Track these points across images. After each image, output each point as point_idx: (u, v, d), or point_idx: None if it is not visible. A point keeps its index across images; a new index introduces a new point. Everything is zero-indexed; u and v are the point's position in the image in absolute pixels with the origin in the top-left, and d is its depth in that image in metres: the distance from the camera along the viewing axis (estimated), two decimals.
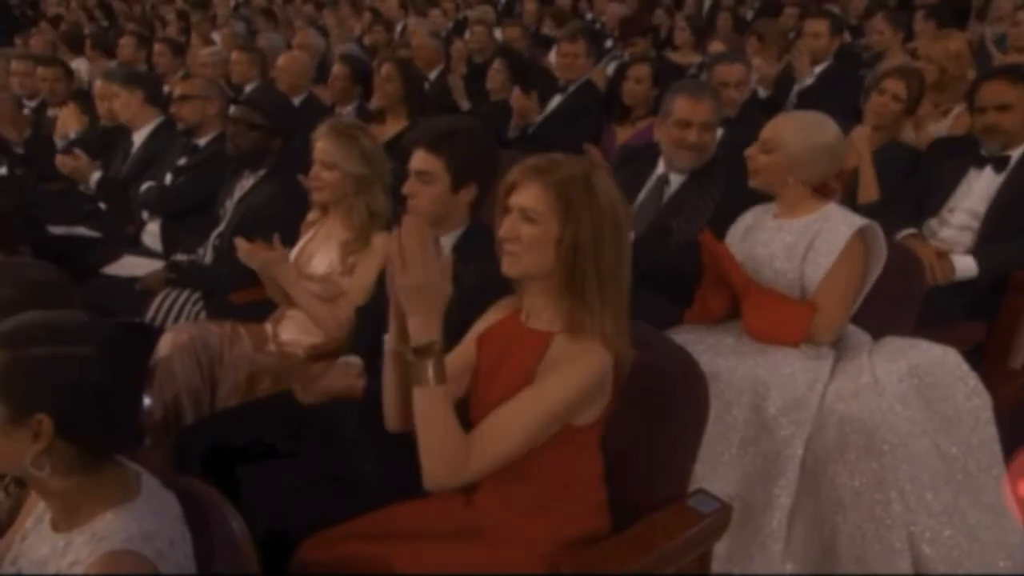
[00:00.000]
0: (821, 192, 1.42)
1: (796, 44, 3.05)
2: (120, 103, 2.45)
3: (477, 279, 1.01)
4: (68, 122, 2.95)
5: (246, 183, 1.97)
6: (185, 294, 1.89)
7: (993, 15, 3.86)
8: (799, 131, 1.40)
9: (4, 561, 0.83)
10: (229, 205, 1.98)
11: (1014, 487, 1.28)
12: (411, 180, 1.27)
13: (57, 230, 2.30)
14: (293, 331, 1.61)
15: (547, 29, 4.71)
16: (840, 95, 2.58)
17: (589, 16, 5.21)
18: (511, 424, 0.91)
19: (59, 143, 2.89)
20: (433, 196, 1.25)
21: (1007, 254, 1.74)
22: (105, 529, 0.75)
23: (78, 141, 2.79)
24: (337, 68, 2.85)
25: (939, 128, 2.29)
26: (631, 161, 1.81)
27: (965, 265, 1.72)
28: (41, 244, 2.15)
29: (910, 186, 1.94)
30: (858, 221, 1.36)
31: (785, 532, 1.28)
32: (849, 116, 2.21)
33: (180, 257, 2.05)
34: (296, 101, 2.90)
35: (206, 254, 2.00)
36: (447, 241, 1.29)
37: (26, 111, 3.20)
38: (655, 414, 1.06)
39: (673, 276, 1.50)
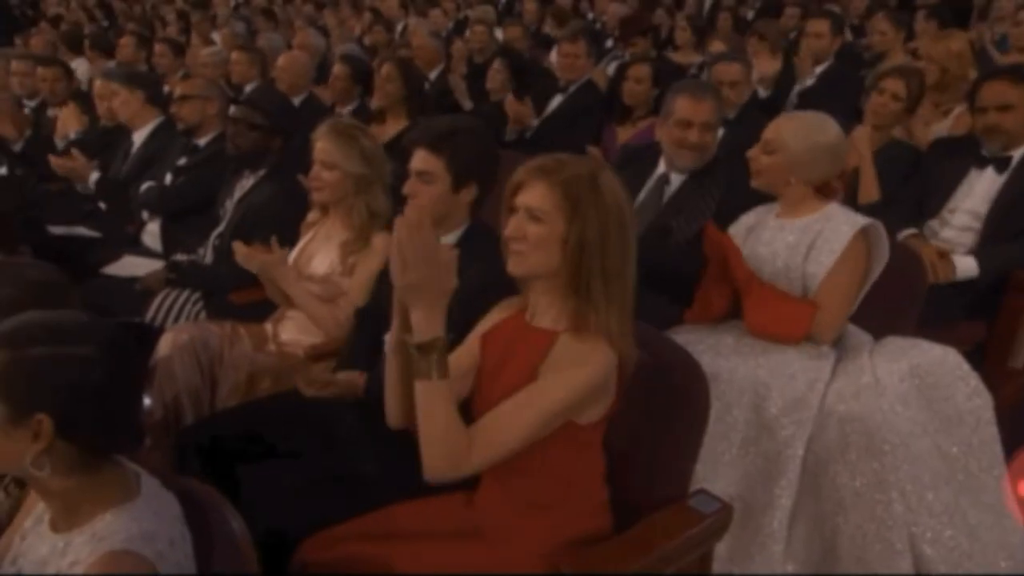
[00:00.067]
0: (823, 192, 1.42)
1: (800, 44, 3.05)
2: (120, 102, 2.45)
3: (478, 279, 1.01)
4: (68, 122, 2.95)
5: (246, 183, 1.97)
6: (185, 294, 1.89)
7: (994, 15, 3.86)
8: (800, 132, 1.40)
9: (4, 561, 0.83)
10: (229, 205, 1.98)
11: (1015, 487, 1.28)
12: (412, 180, 1.27)
13: (57, 230, 2.30)
14: (293, 331, 1.61)
15: (548, 28, 4.71)
16: (841, 95, 2.58)
17: (590, 16, 5.21)
18: (513, 419, 0.91)
19: (59, 143, 2.89)
20: (434, 196, 1.25)
21: (1008, 254, 1.74)
22: (105, 529, 0.75)
23: (78, 141, 2.79)
24: (337, 68, 2.85)
25: (940, 128, 2.29)
26: (632, 161, 1.81)
27: (966, 265, 1.72)
28: (41, 244, 2.15)
29: (911, 186, 1.94)
30: (860, 220, 1.36)
31: (786, 532, 1.28)
32: (850, 116, 2.21)
33: (180, 257, 2.05)
34: (296, 101, 2.90)
35: (206, 254, 2.00)
36: (447, 241, 1.28)
37: (26, 111, 3.20)
38: (656, 414, 1.06)
39: (673, 276, 1.50)
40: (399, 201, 1.38)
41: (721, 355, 1.35)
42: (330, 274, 1.58)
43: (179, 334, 1.56)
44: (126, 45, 3.87)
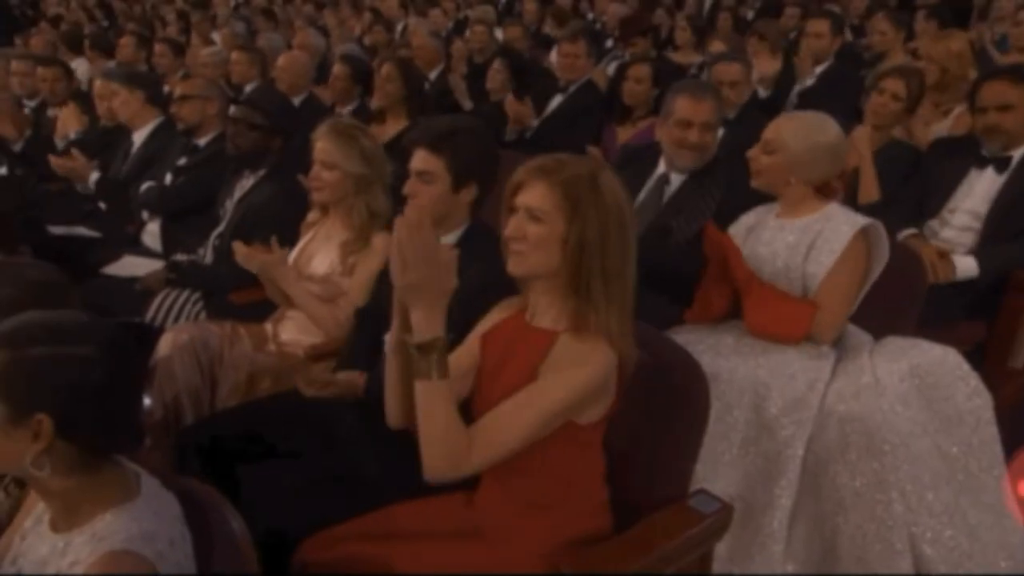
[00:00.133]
0: (823, 192, 1.42)
1: (800, 43, 3.04)
2: (120, 102, 2.45)
3: (478, 279, 1.01)
4: (68, 122, 2.95)
5: (246, 183, 1.96)
6: (185, 294, 1.89)
7: (994, 15, 3.86)
8: (800, 131, 1.40)
9: (4, 561, 0.83)
10: (229, 205, 1.98)
11: (1014, 487, 1.28)
12: (412, 180, 1.27)
13: (57, 230, 2.30)
14: (293, 331, 1.61)
15: (547, 28, 4.71)
16: (841, 95, 2.58)
17: (590, 16, 5.21)
18: (513, 418, 0.91)
19: (59, 143, 2.89)
20: (434, 196, 1.25)
21: (1008, 254, 1.74)
22: (105, 529, 0.75)
23: (78, 141, 2.79)
24: (337, 68, 2.85)
25: (940, 128, 2.29)
26: (632, 161, 1.81)
27: (966, 265, 1.72)
28: (41, 244, 2.15)
29: (911, 186, 1.94)
30: (860, 220, 1.36)
31: (786, 532, 1.28)
32: (850, 116, 2.21)
33: (180, 257, 2.05)
34: (296, 101, 2.90)
35: (206, 254, 2.00)
36: (447, 241, 1.28)
37: (26, 111, 3.20)
38: (656, 414, 1.06)
39: (673, 276, 1.50)
40: (399, 201, 1.38)
41: (721, 355, 1.35)
42: (330, 274, 1.58)
43: (179, 334, 1.56)
44: (126, 45, 3.87)
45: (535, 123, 2.70)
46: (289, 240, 1.65)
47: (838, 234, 1.35)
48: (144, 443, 0.84)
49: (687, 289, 1.52)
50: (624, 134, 2.56)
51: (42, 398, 0.73)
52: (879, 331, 1.42)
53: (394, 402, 0.99)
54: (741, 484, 1.29)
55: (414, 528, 1.04)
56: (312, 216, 1.70)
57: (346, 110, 2.80)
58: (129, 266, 2.08)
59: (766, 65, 2.76)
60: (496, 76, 2.90)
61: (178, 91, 2.30)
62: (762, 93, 2.78)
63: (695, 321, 1.49)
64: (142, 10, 6.98)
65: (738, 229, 1.50)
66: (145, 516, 0.77)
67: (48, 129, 3.08)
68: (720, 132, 1.83)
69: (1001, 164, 1.81)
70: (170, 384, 1.49)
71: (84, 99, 3.06)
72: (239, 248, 1.57)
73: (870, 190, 1.95)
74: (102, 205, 2.46)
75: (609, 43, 4.22)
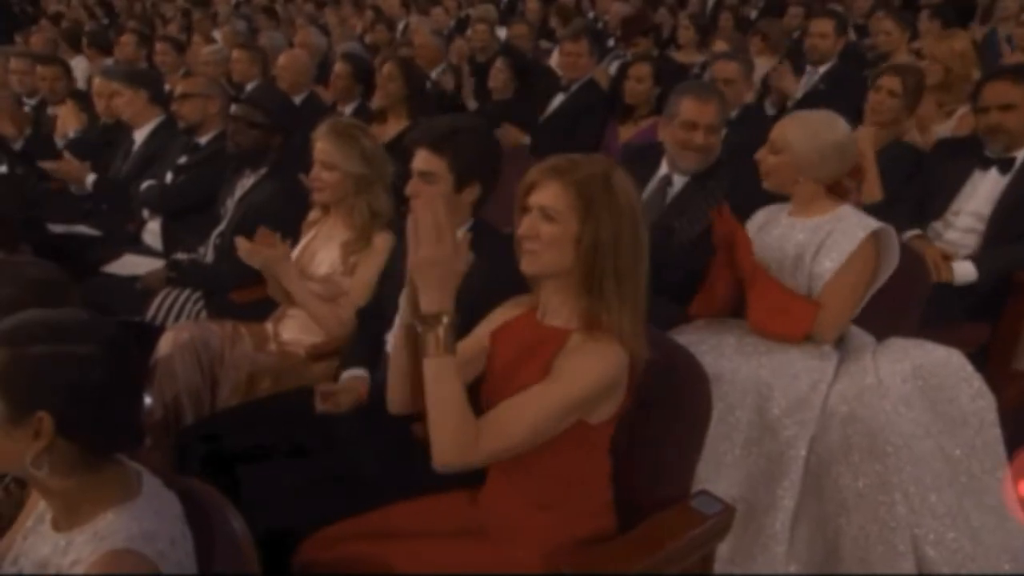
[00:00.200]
0: (836, 191, 1.41)
1: (803, 43, 3.03)
2: (123, 101, 2.44)
3: (481, 278, 1.01)
4: (67, 120, 2.94)
5: (247, 182, 1.96)
6: (186, 293, 1.89)
7: (998, 15, 3.85)
8: (805, 131, 1.40)
9: (5, 560, 0.82)
10: (230, 204, 1.98)
11: (1017, 488, 1.27)
12: (414, 180, 1.26)
13: (57, 229, 2.29)
14: (294, 330, 1.61)
15: (551, 25, 4.71)
16: (845, 95, 2.57)
17: (591, 15, 5.21)
18: (524, 412, 0.91)
19: (59, 142, 2.88)
20: (430, 195, 1.25)
21: (1010, 256, 1.73)
22: (106, 528, 0.75)
23: (77, 140, 2.78)
24: (339, 67, 2.85)
25: (943, 129, 2.29)
26: (634, 161, 1.80)
27: (964, 271, 1.71)
28: (41, 243, 2.14)
29: (913, 186, 1.93)
30: (873, 224, 1.35)
31: (788, 533, 1.27)
32: (854, 116, 2.20)
33: (181, 256, 2.05)
34: (297, 100, 2.89)
35: (207, 253, 2.00)
36: None
37: (25, 109, 3.20)
38: (658, 415, 1.06)
39: (675, 277, 1.50)
40: (401, 201, 1.38)
41: (724, 355, 1.34)
42: (331, 274, 1.58)
43: (180, 333, 1.55)
44: (127, 43, 3.86)
45: (527, 141, 2.69)
46: (290, 239, 1.64)
47: (849, 236, 1.34)
48: (144, 442, 0.84)
49: (689, 289, 1.51)
50: (626, 133, 2.56)
51: (42, 397, 0.73)
52: (882, 332, 1.42)
53: (399, 386, 0.99)
54: (743, 485, 1.29)
55: (416, 527, 1.04)
56: (313, 215, 1.70)
57: (347, 109, 2.80)
58: (130, 265, 2.08)
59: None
60: (498, 75, 2.90)
61: (179, 89, 2.29)
62: (770, 110, 2.76)
63: (699, 311, 1.48)
64: (143, 8, 6.97)
65: (750, 227, 1.49)
66: (146, 515, 0.77)
67: (48, 128, 3.08)
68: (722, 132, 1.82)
69: (1005, 165, 1.80)
70: (170, 383, 1.49)
71: (82, 97, 3.05)
72: (242, 244, 1.56)
73: (873, 190, 1.95)
74: (103, 206, 2.46)
75: (611, 42, 4.22)
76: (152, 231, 2.24)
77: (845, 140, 1.40)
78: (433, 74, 3.36)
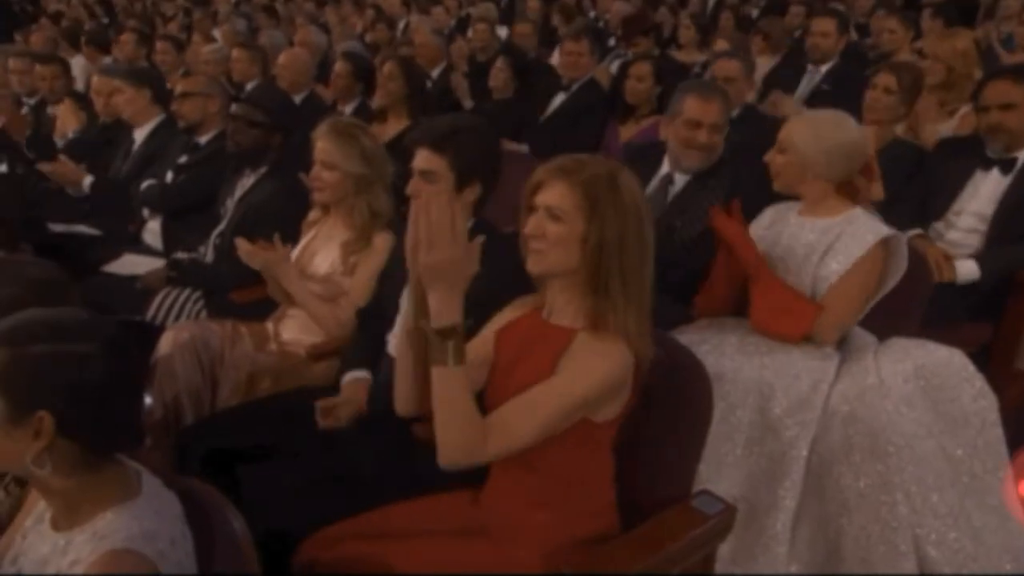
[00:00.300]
0: (847, 191, 1.39)
1: (804, 42, 3.02)
2: (125, 99, 2.43)
3: (483, 278, 1.01)
4: (66, 120, 2.94)
5: (247, 181, 1.96)
6: (186, 293, 1.89)
7: (1001, 14, 3.85)
8: (811, 131, 1.39)
9: (4, 560, 0.82)
10: (230, 203, 1.97)
11: (1018, 488, 1.27)
12: (415, 179, 1.26)
13: (58, 228, 2.29)
14: (295, 330, 1.61)
15: (553, 24, 4.71)
16: (846, 95, 2.57)
17: (592, 14, 5.20)
18: (530, 410, 0.92)
19: (59, 142, 2.88)
20: (434, 195, 1.24)
21: (1012, 255, 1.73)
22: (106, 528, 0.75)
23: (77, 140, 2.78)
24: (339, 66, 2.84)
25: (945, 128, 2.28)
26: (635, 160, 1.79)
27: (967, 269, 1.71)
28: (41, 242, 2.14)
29: (914, 186, 1.93)
30: (884, 230, 1.34)
31: (789, 534, 1.27)
32: (856, 115, 2.19)
33: (181, 255, 2.04)
34: (297, 99, 2.89)
35: (207, 252, 1.99)
36: None
37: (25, 109, 3.19)
38: (660, 414, 1.05)
39: (677, 276, 1.49)
40: (402, 201, 1.38)
41: (725, 355, 1.34)
42: (331, 273, 1.58)
43: (180, 333, 1.55)
44: (127, 42, 3.85)
45: (525, 149, 2.69)
46: (290, 238, 1.64)
47: (858, 240, 1.33)
48: (144, 442, 0.84)
49: (690, 289, 1.51)
50: (627, 132, 2.55)
51: (43, 396, 0.73)
52: (883, 332, 1.41)
53: (405, 389, 0.99)
54: (745, 485, 1.29)
55: (417, 526, 1.03)
56: (313, 215, 1.69)
57: (347, 108, 2.79)
58: (130, 264, 2.08)
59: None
60: (499, 75, 2.89)
61: (179, 88, 2.29)
62: (770, 110, 2.73)
63: (701, 310, 1.48)
64: (143, 7, 6.97)
65: (758, 225, 1.49)
66: (146, 515, 0.77)
67: (48, 127, 3.07)
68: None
69: (1006, 165, 1.80)
70: (170, 383, 1.48)
71: (81, 97, 3.05)
72: (242, 245, 1.56)
73: (874, 189, 1.94)
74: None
75: (612, 41, 4.21)
76: (152, 230, 2.24)
77: (853, 140, 1.39)
78: (433, 73, 3.36)
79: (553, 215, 0.94)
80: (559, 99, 2.81)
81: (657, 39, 3.85)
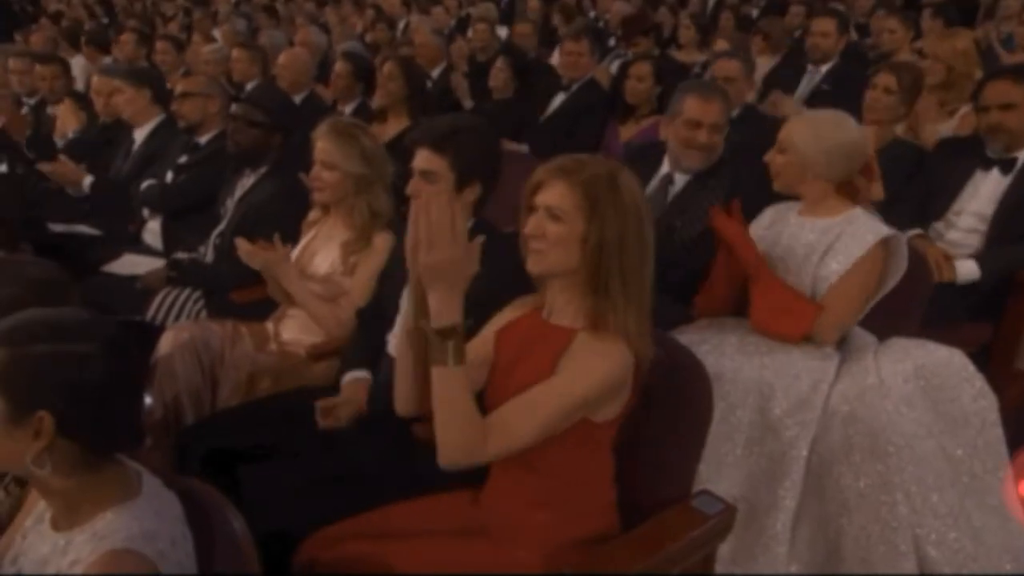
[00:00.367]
0: (847, 191, 1.39)
1: (804, 42, 3.02)
2: (125, 99, 2.43)
3: (481, 279, 1.01)
4: (65, 120, 2.93)
5: (247, 181, 1.96)
6: (186, 292, 1.89)
7: (1001, 14, 3.85)
8: (810, 131, 1.39)
9: (4, 560, 0.82)
10: (230, 203, 1.97)
11: (1018, 488, 1.27)
12: (415, 179, 1.26)
13: (58, 228, 2.29)
14: (295, 330, 1.61)
15: (553, 24, 4.70)
16: (846, 95, 2.57)
17: (592, 14, 5.20)
18: (531, 410, 0.92)
19: (59, 141, 2.88)
20: (434, 195, 1.24)
21: (1012, 255, 1.73)
22: (106, 528, 0.75)
23: (77, 140, 2.78)
24: (339, 66, 2.84)
25: (945, 128, 2.28)
26: (635, 160, 1.79)
27: (967, 269, 1.71)
28: (42, 242, 2.14)
29: (914, 185, 1.93)
30: (884, 230, 1.34)
31: (790, 534, 1.27)
32: (856, 115, 2.19)
33: (181, 255, 2.04)
34: (297, 99, 2.89)
35: (207, 252, 1.99)
36: None
37: (25, 109, 3.19)
38: (660, 414, 1.05)
39: (677, 276, 1.50)
40: (402, 201, 1.38)
41: (725, 355, 1.34)
42: (331, 273, 1.58)
43: (180, 333, 1.55)
44: (127, 42, 3.85)
45: (525, 149, 2.69)
46: (290, 238, 1.64)
47: (858, 240, 1.33)
48: (145, 442, 0.84)
49: (690, 289, 1.51)
50: (627, 132, 2.55)
51: (43, 396, 0.73)
52: (883, 332, 1.41)
53: (405, 389, 0.99)
54: (745, 485, 1.29)
55: (417, 526, 1.03)
56: (313, 215, 1.69)
57: (347, 108, 2.79)
58: (130, 264, 2.08)
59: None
60: (499, 75, 2.89)
61: (179, 88, 2.29)
62: (770, 110, 2.73)
63: (701, 309, 1.48)
64: (143, 7, 6.97)
65: (758, 224, 1.49)
66: (146, 515, 0.77)
67: (48, 127, 3.07)
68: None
69: (1006, 166, 1.80)
70: (171, 383, 1.48)
71: (80, 97, 3.04)
72: (242, 245, 1.56)
73: (874, 189, 1.94)
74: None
75: (612, 41, 4.21)
76: (152, 230, 2.24)
77: (853, 140, 1.39)
78: (434, 73, 3.36)
79: (553, 215, 0.94)
80: (559, 99, 2.81)
81: (657, 39, 3.85)
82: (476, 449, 0.89)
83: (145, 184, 2.27)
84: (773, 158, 1.43)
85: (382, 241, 1.54)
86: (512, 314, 1.05)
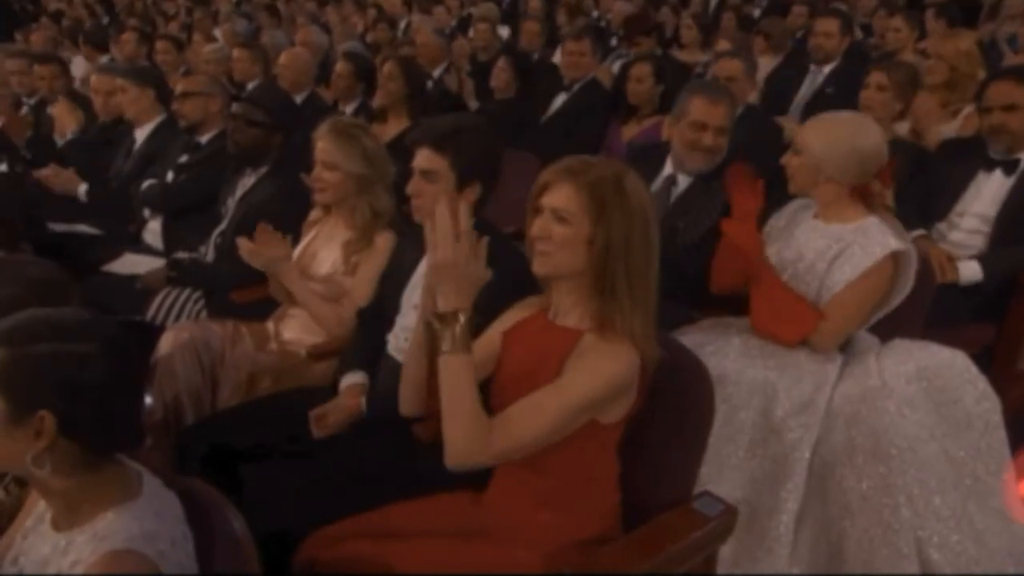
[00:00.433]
0: (863, 195, 1.37)
1: (807, 42, 3.01)
2: (128, 98, 2.42)
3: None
4: (62, 119, 2.93)
5: (248, 181, 1.96)
6: (186, 292, 1.89)
7: (1004, 14, 3.83)
8: (825, 134, 1.37)
9: (5, 560, 0.82)
10: (231, 203, 1.97)
11: (1021, 490, 1.27)
12: (415, 179, 1.26)
13: (58, 228, 2.29)
14: (295, 330, 1.61)
15: (557, 22, 4.70)
16: (849, 95, 2.56)
17: (595, 14, 5.20)
18: (537, 411, 0.92)
19: (59, 141, 2.88)
20: (438, 195, 1.24)
21: (1015, 257, 1.73)
22: (106, 528, 0.75)
23: (77, 140, 2.77)
24: (340, 66, 2.84)
25: (948, 129, 2.28)
26: (638, 161, 1.79)
27: (970, 270, 1.71)
28: (42, 242, 2.14)
29: (915, 185, 1.93)
30: (894, 243, 1.32)
31: (792, 536, 1.27)
32: None
33: (181, 255, 2.04)
34: (298, 99, 2.89)
35: (208, 252, 1.99)
36: None
37: (24, 109, 3.19)
38: (662, 416, 1.05)
39: (679, 277, 1.49)
40: (403, 200, 1.37)
41: (728, 357, 1.34)
42: (333, 273, 1.57)
43: (180, 332, 1.55)
44: (127, 41, 3.85)
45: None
46: (291, 238, 1.64)
47: (868, 252, 1.31)
48: (145, 442, 0.84)
49: (692, 290, 1.51)
50: (628, 132, 2.55)
51: (43, 395, 0.72)
52: (886, 333, 1.41)
53: (411, 387, 1.00)
54: (747, 487, 1.28)
55: (418, 526, 1.03)
56: (314, 215, 1.69)
57: (348, 108, 2.79)
58: (130, 264, 2.08)
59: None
60: (501, 75, 2.89)
61: (180, 88, 2.28)
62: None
63: (719, 285, 1.46)
64: (144, 6, 6.97)
65: (774, 224, 1.47)
66: (147, 515, 0.76)
67: (48, 127, 3.07)
68: None
69: (1009, 167, 1.80)
70: (171, 383, 1.48)
71: (77, 95, 3.03)
72: (244, 244, 1.56)
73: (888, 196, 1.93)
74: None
75: (614, 41, 4.21)
76: (153, 230, 2.24)
77: (869, 144, 1.36)
78: (435, 73, 3.36)
79: (559, 217, 0.94)
80: (561, 99, 2.80)
81: (659, 39, 3.84)
82: (481, 447, 0.89)
83: (146, 184, 2.27)
84: (789, 160, 1.42)
85: (384, 241, 1.54)
86: (518, 315, 1.05)
